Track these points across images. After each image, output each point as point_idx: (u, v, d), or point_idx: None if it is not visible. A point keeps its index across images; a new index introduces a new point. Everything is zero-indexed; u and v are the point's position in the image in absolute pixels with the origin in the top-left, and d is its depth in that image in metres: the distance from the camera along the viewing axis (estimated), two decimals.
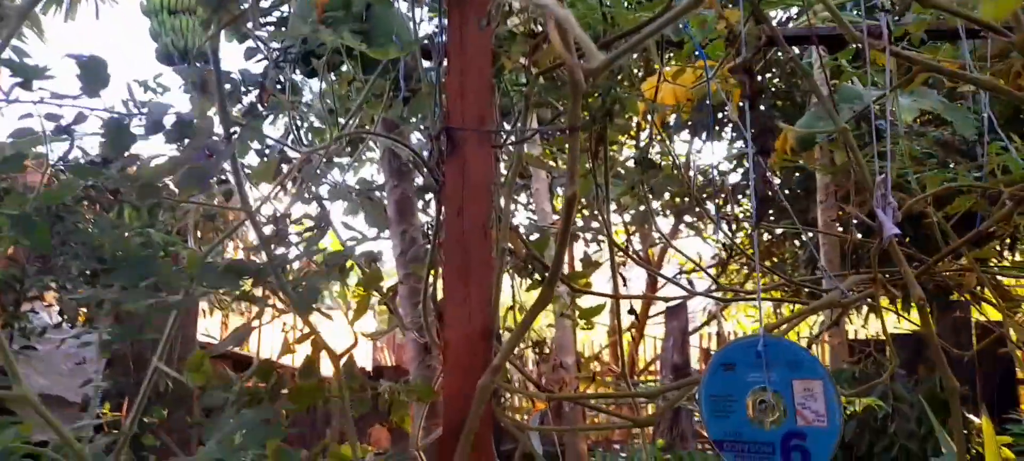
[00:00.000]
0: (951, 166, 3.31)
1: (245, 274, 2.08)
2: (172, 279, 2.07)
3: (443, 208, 1.74)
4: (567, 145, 1.39)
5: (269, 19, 3.17)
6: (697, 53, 2.25)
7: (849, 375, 4.68)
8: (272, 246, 2.43)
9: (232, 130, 2.07)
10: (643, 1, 2.25)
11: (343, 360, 1.97)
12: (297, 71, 2.81)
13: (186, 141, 2.40)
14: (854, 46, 3.07)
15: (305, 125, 3.21)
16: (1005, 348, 2.43)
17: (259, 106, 2.38)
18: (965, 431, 4.59)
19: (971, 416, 4.61)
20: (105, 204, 5.70)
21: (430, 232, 3.09)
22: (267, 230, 2.52)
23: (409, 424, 1.84)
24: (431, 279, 2.01)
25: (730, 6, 2.01)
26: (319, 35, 1.86)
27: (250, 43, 3.37)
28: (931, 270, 2.21)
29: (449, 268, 1.56)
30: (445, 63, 1.66)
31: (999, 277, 2.74)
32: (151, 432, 4.61)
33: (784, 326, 1.91)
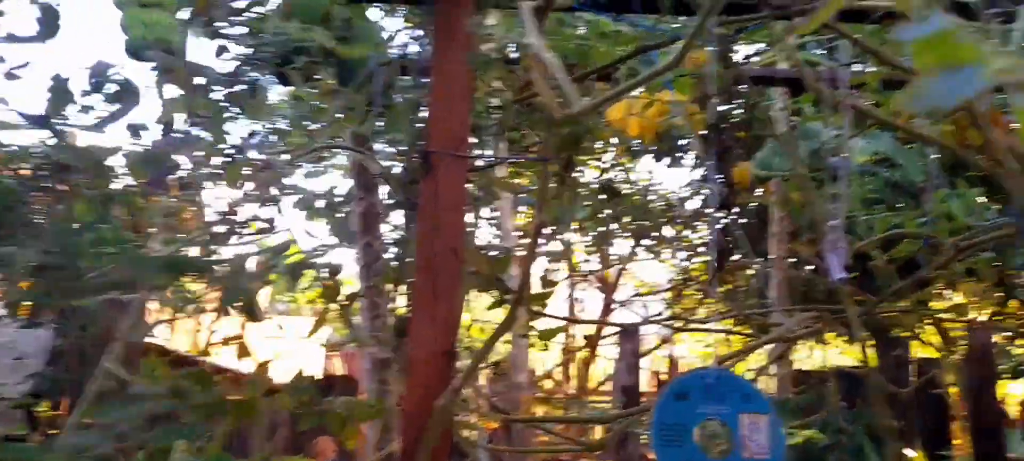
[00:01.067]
0: (898, 208, 3.47)
1: (184, 270, 2.07)
2: (120, 276, 2.05)
3: (415, 227, 1.77)
4: (536, 170, 1.43)
5: (240, 19, 3.16)
6: (665, 86, 2.32)
7: (793, 405, 4.81)
8: (220, 245, 2.43)
9: (194, 122, 2.07)
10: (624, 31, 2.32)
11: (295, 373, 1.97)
12: (268, 74, 2.81)
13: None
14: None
15: (270, 128, 3.21)
16: (938, 388, 2.56)
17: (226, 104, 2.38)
18: None
19: (907, 450, 4.79)
20: (57, 196, 5.56)
21: (392, 246, 3.11)
22: (220, 229, 2.51)
23: (354, 442, 1.85)
24: (394, 294, 2.03)
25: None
26: (299, 34, 1.87)
27: (221, 42, 3.35)
28: (875, 310, 2.32)
29: (419, 287, 1.59)
30: (426, 83, 1.70)
31: (940, 317, 2.88)
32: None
33: (733, 359, 1.98)
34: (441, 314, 1.56)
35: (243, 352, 2.53)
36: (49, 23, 2.48)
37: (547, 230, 5.03)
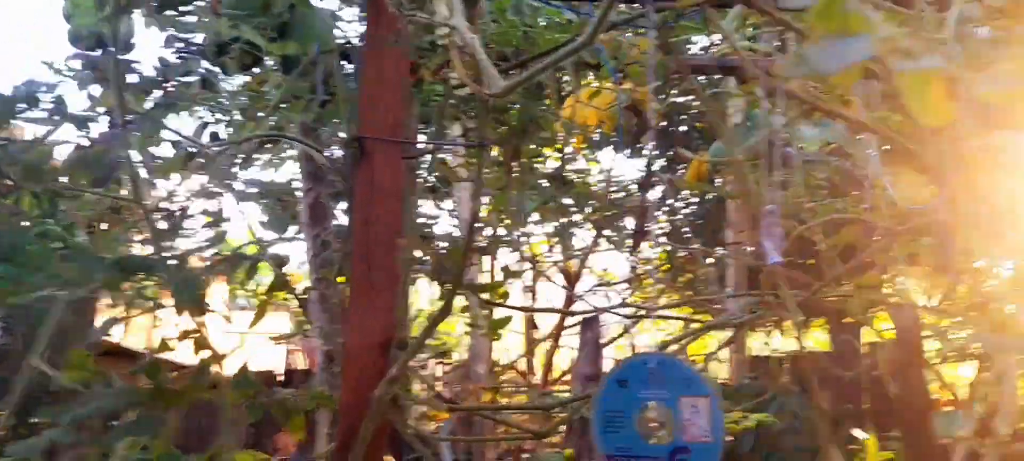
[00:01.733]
0: (845, 197, 3.52)
1: (134, 269, 2.02)
2: (64, 273, 1.99)
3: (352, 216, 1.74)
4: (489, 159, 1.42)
5: (189, 8, 3.08)
6: (613, 76, 2.32)
7: (750, 390, 4.89)
8: (166, 240, 2.37)
9: (127, 119, 2.01)
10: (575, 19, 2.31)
11: (239, 366, 1.93)
12: (208, 65, 2.74)
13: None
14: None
15: (226, 120, 3.13)
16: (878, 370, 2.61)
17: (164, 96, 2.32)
18: (851, 446, 4.86)
19: (858, 432, 4.90)
20: (1, 190, 5.39)
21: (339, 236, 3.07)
22: (164, 224, 2.45)
23: (300, 434, 1.82)
24: (341, 286, 2.00)
25: (644, 34, 2.09)
26: (228, 31, 1.82)
27: (171, 31, 3.26)
28: (818, 295, 2.35)
29: (355, 277, 1.56)
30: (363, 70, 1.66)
31: (885, 302, 2.94)
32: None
33: (677, 345, 2.00)
34: (378, 304, 1.54)
35: (199, 347, 2.46)
36: None
37: (507, 222, 5.01)
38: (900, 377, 1.74)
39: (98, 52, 4.39)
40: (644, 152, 7.64)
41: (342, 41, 2.29)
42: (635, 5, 1.71)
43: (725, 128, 4.77)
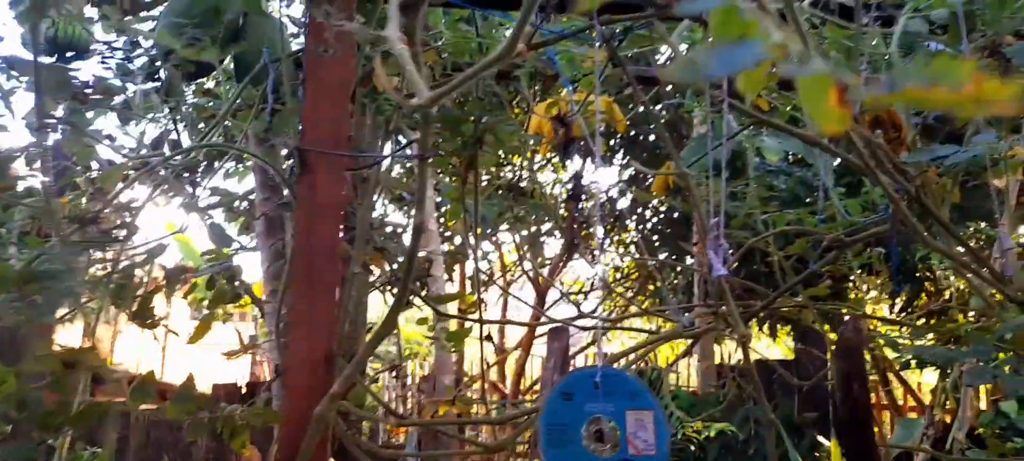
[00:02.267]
0: (807, 206, 3.56)
1: (43, 279, 1.97)
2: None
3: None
4: (445, 170, 1.40)
5: (151, 14, 3.03)
6: (566, 87, 2.32)
7: (715, 398, 4.92)
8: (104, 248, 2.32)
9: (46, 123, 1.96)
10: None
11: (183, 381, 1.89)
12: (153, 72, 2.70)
13: None
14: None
15: (183, 127, 3.08)
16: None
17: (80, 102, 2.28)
18: (816, 453, 4.90)
19: (822, 439, 4.95)
20: None
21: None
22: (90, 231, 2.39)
23: (247, 451, 1.78)
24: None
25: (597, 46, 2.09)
26: (173, 39, 1.79)
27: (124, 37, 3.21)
28: (773, 305, 2.37)
29: (296, 291, 1.53)
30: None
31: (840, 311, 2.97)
32: None
33: (628, 356, 1.99)
34: (318, 317, 1.51)
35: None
36: None
37: (477, 231, 4.98)
38: (841, 387, 1.75)
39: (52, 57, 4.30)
40: (595, 162, 7.67)
41: (296, 50, 2.26)
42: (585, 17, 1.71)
43: (693, 137, 4.78)
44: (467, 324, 2.76)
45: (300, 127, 1.78)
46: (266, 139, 2.69)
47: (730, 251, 1.62)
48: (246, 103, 2.38)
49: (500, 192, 3.83)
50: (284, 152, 2.56)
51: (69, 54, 4.16)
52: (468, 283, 5.88)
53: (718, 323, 2.09)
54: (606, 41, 1.70)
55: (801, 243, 2.23)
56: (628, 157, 7.72)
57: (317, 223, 1.52)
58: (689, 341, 2.75)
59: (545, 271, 7.47)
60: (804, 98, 0.56)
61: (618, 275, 8.38)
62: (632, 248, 8.13)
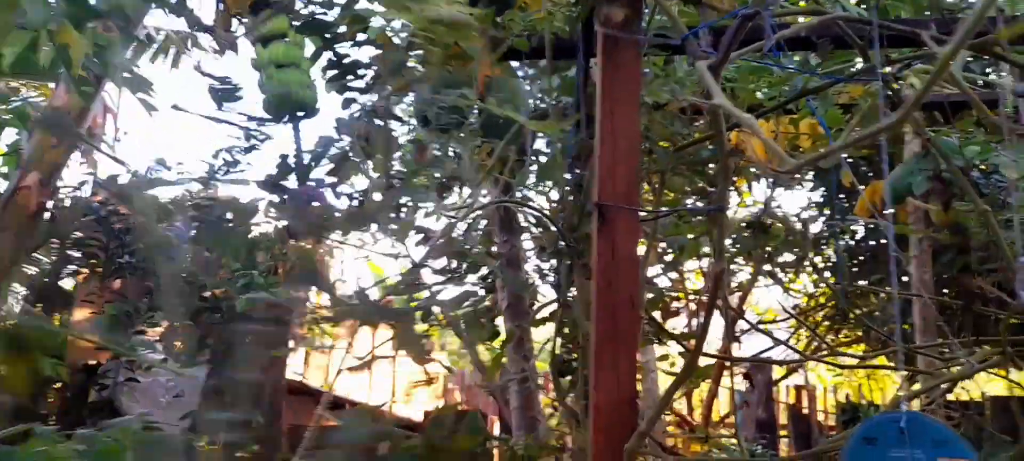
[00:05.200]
0: None
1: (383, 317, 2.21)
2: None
3: (574, 273, 1.84)
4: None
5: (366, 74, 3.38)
6: (816, 118, 2.31)
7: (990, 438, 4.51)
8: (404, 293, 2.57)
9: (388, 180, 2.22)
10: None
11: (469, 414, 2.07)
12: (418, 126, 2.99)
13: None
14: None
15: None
16: None
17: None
18: None
19: None
20: (208, 245, 6.03)
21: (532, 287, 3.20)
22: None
23: None
24: (559, 339, 2.10)
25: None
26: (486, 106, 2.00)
27: (349, 94, 3.60)
28: None
29: (600, 337, 1.65)
30: (593, 137, 1.76)
31: None
32: None
33: (918, 399, 1.92)
34: (622, 363, 1.61)
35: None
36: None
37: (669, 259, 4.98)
38: None
39: (288, 118, 4.87)
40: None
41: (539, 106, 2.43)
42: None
43: (913, 153, 4.51)
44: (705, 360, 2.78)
45: (571, 177, 1.92)
46: (509, 187, 2.90)
47: None
48: (499, 158, 2.58)
49: (743, 226, 3.82)
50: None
51: (299, 114, 4.69)
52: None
53: (1004, 359, 1.97)
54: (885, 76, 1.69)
55: None
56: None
57: (618, 274, 1.63)
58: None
59: (735, 298, 7.26)
60: None
61: (811, 303, 7.96)
62: (827, 274, 7.69)
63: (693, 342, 2.65)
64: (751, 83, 2.31)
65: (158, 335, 6.27)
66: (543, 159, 2.63)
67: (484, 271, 3.29)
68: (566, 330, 2.10)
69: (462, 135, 2.93)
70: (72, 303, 6.93)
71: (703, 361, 2.83)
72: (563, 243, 1.99)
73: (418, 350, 2.46)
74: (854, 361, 4.88)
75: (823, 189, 7.25)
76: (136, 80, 3.94)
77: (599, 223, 1.66)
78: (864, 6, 2.87)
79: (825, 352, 4.22)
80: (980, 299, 3.88)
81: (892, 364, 4.57)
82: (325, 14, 3.02)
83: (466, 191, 2.97)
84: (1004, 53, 1.78)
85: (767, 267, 6.97)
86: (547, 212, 2.42)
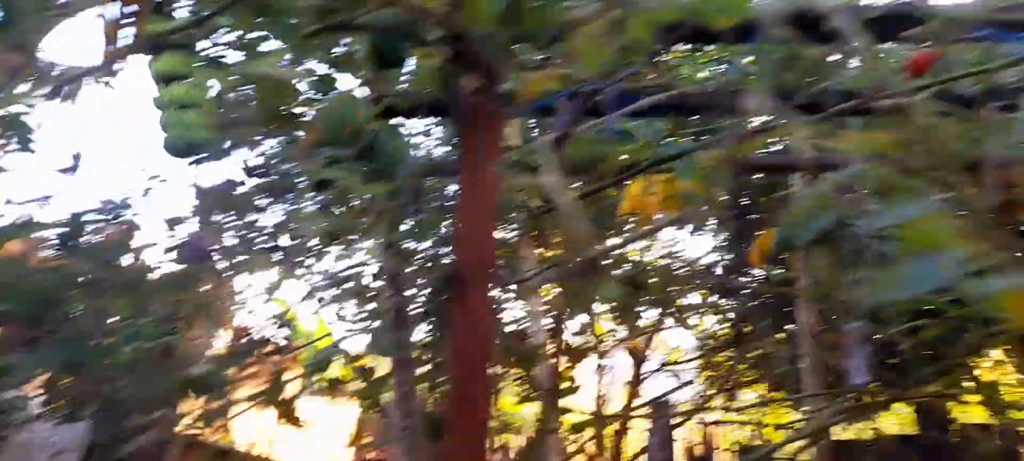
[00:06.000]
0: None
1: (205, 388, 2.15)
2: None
3: (444, 330, 1.84)
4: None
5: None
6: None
7: None
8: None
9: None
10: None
11: None
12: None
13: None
14: None
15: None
16: None
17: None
18: None
19: None
20: (94, 291, 5.71)
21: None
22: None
23: None
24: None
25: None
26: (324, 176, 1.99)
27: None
28: (907, 391, 2.32)
29: (454, 393, 1.65)
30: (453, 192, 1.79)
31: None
32: None
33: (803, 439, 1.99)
34: (476, 419, 1.62)
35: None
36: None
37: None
38: None
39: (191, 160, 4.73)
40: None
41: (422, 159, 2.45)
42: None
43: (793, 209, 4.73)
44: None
45: (434, 238, 1.94)
46: (394, 244, 2.88)
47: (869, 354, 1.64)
48: (380, 211, 2.57)
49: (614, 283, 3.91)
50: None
51: (201, 155, 4.56)
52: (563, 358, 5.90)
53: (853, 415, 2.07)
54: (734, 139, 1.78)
55: (933, 328, 2.20)
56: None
57: (472, 336, 1.64)
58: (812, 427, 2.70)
59: (641, 340, 7.41)
60: (997, 305, 0.62)
61: (712, 342, 8.19)
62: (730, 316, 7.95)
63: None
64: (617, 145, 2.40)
65: (40, 387, 5.86)
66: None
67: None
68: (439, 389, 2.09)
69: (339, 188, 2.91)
70: None
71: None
72: (433, 302, 2.00)
73: (287, 412, 2.40)
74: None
75: (726, 234, 7.54)
76: (11, 121, 3.76)
77: (454, 287, 1.67)
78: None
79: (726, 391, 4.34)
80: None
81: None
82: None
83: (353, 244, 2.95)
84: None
85: (672, 310, 7.16)
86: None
